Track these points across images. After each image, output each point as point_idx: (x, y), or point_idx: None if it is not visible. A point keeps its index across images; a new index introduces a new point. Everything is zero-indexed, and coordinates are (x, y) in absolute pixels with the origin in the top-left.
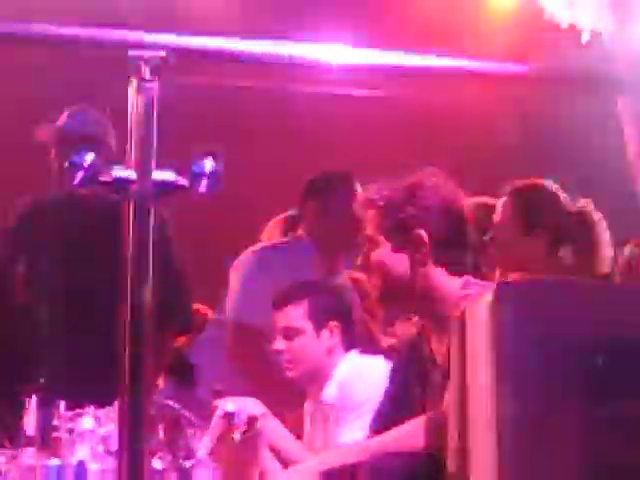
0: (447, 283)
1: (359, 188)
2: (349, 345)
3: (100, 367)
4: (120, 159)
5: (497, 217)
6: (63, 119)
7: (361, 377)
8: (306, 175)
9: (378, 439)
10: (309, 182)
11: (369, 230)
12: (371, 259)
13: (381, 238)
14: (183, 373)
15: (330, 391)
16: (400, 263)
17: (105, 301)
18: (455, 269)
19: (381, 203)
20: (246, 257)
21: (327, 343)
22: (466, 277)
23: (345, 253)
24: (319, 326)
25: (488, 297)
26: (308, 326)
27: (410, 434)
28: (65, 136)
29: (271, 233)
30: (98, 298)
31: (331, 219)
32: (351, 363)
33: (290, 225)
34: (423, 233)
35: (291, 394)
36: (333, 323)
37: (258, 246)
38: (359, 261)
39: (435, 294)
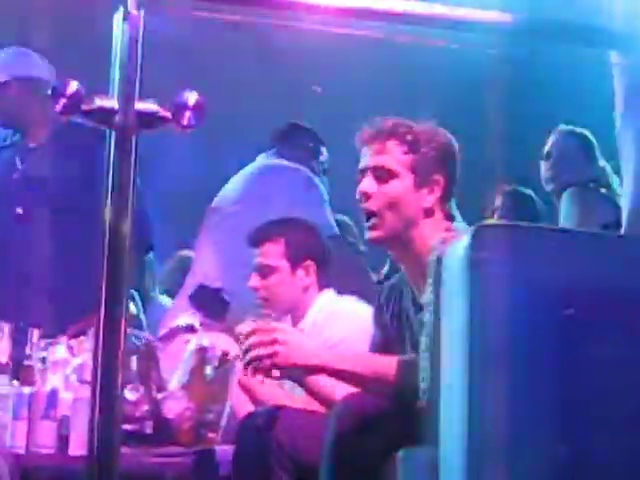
0: (439, 229)
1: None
2: (324, 285)
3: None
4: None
5: None
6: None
7: (334, 317)
8: (289, 111)
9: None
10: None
11: (384, 161)
12: (386, 189)
13: (402, 172)
14: (213, 307)
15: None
16: (417, 203)
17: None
18: (449, 220)
19: (410, 137)
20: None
21: (302, 282)
22: (450, 223)
23: None
24: (295, 265)
25: (466, 239)
26: (284, 264)
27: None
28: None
29: None
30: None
31: None
32: (325, 303)
33: None
34: (441, 178)
35: None
36: (309, 262)
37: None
38: (362, 188)
39: (427, 239)
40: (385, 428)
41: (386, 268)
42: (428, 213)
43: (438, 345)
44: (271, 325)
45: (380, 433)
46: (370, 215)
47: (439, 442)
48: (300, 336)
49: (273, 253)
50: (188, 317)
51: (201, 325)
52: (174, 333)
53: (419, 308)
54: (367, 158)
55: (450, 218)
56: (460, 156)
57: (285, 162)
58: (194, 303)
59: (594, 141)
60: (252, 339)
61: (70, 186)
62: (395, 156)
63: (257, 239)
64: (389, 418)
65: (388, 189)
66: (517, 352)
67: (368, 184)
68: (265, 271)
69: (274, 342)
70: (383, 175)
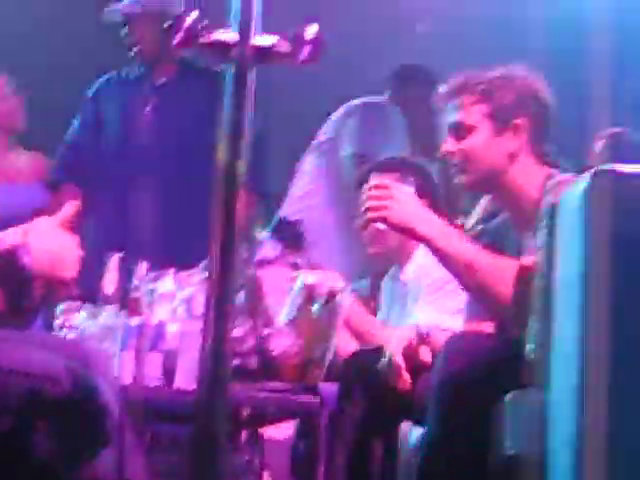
0: (535, 173)
1: None
2: None
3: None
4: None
5: None
6: None
7: None
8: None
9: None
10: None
11: (458, 117)
12: (465, 145)
13: (478, 124)
14: (290, 238)
15: (409, 271)
16: (498, 150)
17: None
18: (544, 160)
19: (481, 88)
20: None
21: None
22: (551, 169)
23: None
24: None
25: (583, 185)
26: None
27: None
28: (144, 11)
29: None
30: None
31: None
32: None
33: None
34: (524, 121)
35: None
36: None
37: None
38: (444, 149)
39: (522, 184)
40: (496, 370)
41: (478, 212)
42: (514, 158)
43: (549, 293)
44: (390, 183)
45: (490, 375)
46: (455, 167)
47: (549, 387)
48: (417, 202)
49: None
50: (269, 249)
51: (281, 257)
52: (260, 264)
53: (523, 252)
54: (444, 117)
55: (549, 164)
56: (550, 96)
57: (376, 100)
58: (274, 235)
59: None
60: (372, 192)
61: (198, 123)
62: (468, 109)
63: (369, 176)
64: (500, 360)
65: (466, 144)
66: (636, 306)
67: (447, 143)
68: None
69: (390, 197)
70: (460, 131)
